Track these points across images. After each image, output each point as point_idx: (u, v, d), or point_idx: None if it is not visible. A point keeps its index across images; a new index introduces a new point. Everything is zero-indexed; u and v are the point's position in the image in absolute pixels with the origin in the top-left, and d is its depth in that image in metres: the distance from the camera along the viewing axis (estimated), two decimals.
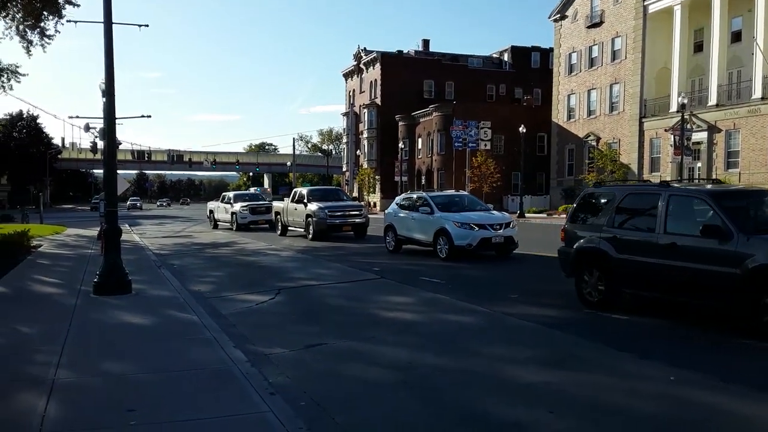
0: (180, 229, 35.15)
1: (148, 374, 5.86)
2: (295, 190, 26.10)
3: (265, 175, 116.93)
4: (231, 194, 33.39)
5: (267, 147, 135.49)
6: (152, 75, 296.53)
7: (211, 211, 34.76)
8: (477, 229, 15.41)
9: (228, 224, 31.19)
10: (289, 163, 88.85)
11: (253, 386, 5.35)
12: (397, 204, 18.62)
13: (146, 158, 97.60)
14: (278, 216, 26.27)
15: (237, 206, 30.40)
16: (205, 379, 5.68)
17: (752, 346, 6.92)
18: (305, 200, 23.50)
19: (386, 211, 19.37)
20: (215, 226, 33.11)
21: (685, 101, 32.94)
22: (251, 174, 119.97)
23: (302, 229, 23.66)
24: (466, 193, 21.36)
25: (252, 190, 65.21)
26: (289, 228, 25.15)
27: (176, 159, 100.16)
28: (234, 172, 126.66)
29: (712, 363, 6.35)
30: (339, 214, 22.77)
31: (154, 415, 4.72)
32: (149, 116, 57.12)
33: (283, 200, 28.97)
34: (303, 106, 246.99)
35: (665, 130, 38.57)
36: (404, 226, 17.56)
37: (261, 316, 9.28)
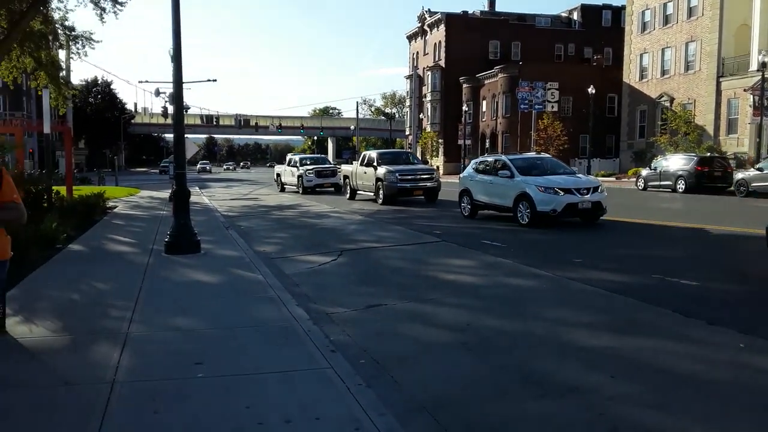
0: (247, 191, 36.00)
1: (215, 330, 6.09)
2: (364, 153, 25.97)
3: (328, 139, 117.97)
4: (297, 157, 33.69)
5: (331, 111, 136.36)
6: (220, 41, 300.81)
7: (278, 175, 35.33)
8: (562, 193, 14.44)
9: (294, 187, 31.65)
10: (352, 127, 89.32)
11: (315, 343, 5.48)
12: (473, 168, 17.88)
13: (214, 123, 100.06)
14: (347, 180, 26.18)
15: (303, 169, 30.75)
16: (269, 335, 5.86)
17: None
18: (375, 163, 23.27)
19: (461, 175, 18.70)
20: (282, 189, 33.66)
21: (766, 59, 31.05)
22: (315, 138, 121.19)
23: (371, 193, 23.47)
24: (548, 155, 20.40)
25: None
26: (358, 192, 25.11)
27: (243, 123, 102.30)
28: (299, 137, 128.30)
29: None
30: (410, 177, 22.38)
31: (220, 368, 4.91)
32: (215, 80, 58.62)
33: (351, 163, 29.24)
34: (367, 69, 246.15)
35: (744, 90, 36.57)
36: (481, 190, 16.84)
37: (323, 277, 9.46)
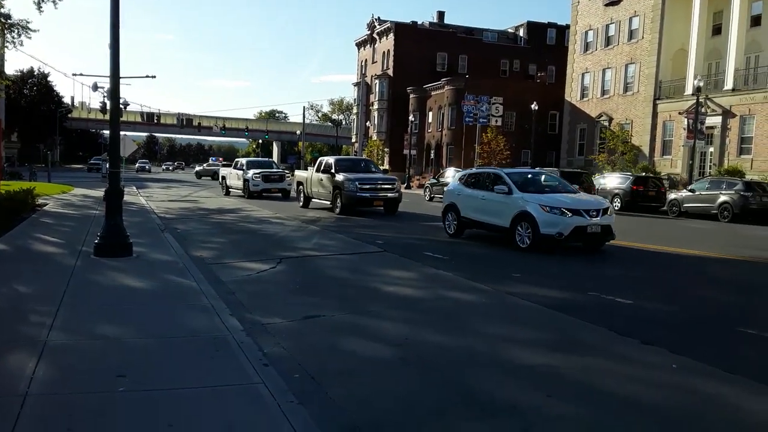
0: (186, 193, 35.10)
1: (142, 339, 5.78)
2: (321, 158, 24.07)
3: (274, 143, 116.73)
4: (244, 160, 32.77)
5: (277, 115, 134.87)
6: (164, 37, 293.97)
7: (223, 177, 34.01)
8: (570, 215, 12.77)
9: (240, 191, 30.65)
10: (298, 132, 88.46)
11: (247, 356, 5.26)
12: (460, 181, 16.13)
13: (156, 121, 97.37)
14: (301, 186, 24.58)
15: (250, 173, 29.67)
16: (199, 346, 5.59)
17: (753, 335, 6.78)
18: (332, 170, 21.68)
19: (446, 189, 17.47)
20: (227, 193, 32.57)
21: (701, 84, 32.38)
22: (260, 141, 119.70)
23: (327, 202, 21.95)
24: (544, 170, 19.06)
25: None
26: (313, 200, 23.66)
27: (186, 123, 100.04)
28: (243, 139, 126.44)
29: (714, 352, 6.21)
30: (369, 186, 20.93)
31: (144, 382, 4.64)
32: (154, 76, 57.29)
33: (295, 169, 28.75)
34: (314, 74, 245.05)
35: (679, 113, 38.06)
36: (471, 206, 14.94)
37: (261, 285, 9.20)
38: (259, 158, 41.73)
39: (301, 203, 24.37)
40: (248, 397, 4.41)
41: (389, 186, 21.48)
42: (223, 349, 5.50)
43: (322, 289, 8.95)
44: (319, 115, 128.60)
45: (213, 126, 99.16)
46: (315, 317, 7.19)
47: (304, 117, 77.78)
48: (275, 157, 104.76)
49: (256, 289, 8.85)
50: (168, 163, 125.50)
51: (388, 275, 10.31)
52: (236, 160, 34.46)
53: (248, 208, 24.08)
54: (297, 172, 27.88)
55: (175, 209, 23.01)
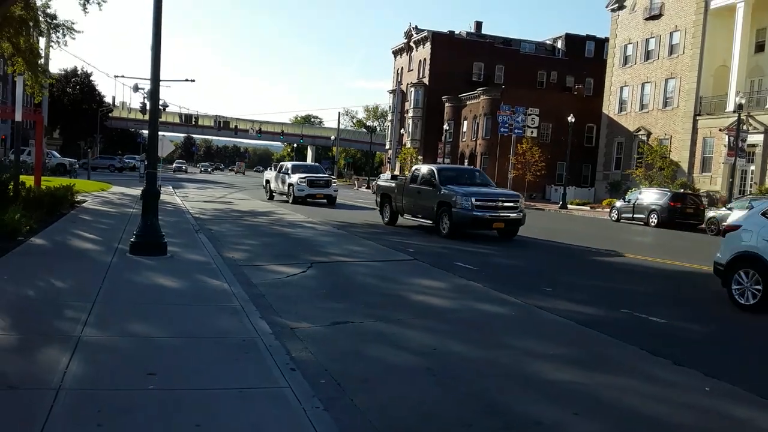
0: (221, 194, 35.57)
1: (173, 338, 5.88)
2: (417, 167, 20.47)
3: (308, 147, 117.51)
4: (289, 164, 31.56)
5: (312, 119, 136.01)
6: (206, 49, 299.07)
7: (267, 181, 32.97)
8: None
9: (284, 196, 29.80)
10: (333, 137, 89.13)
11: (275, 360, 5.30)
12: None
13: (193, 122, 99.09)
14: (387, 200, 20.39)
15: (294, 177, 28.69)
16: (228, 348, 5.66)
17: None
18: (434, 180, 17.84)
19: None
20: (271, 197, 31.63)
21: (743, 101, 31.73)
22: (295, 145, 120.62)
23: (428, 221, 17.98)
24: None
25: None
26: (405, 216, 19.56)
27: (222, 125, 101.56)
28: (279, 142, 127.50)
29: (748, 374, 6.06)
30: (489, 204, 16.82)
31: (173, 381, 4.71)
32: (193, 80, 58.05)
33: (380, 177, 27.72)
34: (350, 80, 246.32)
35: (720, 130, 37.28)
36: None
37: (290, 289, 9.26)
38: (305, 162, 40.78)
39: (386, 219, 20.40)
40: (274, 401, 4.45)
41: (512, 204, 17.19)
42: (251, 351, 5.55)
43: (351, 295, 8.98)
44: (354, 121, 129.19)
45: (249, 129, 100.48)
46: (343, 323, 7.22)
47: (339, 122, 78.38)
48: (309, 161, 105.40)
49: (285, 292, 8.92)
50: (204, 164, 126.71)
51: (418, 284, 10.29)
52: (280, 163, 33.49)
53: (280, 211, 24.29)
54: (380, 182, 23.43)
55: (209, 210, 23.33)
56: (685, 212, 28.00)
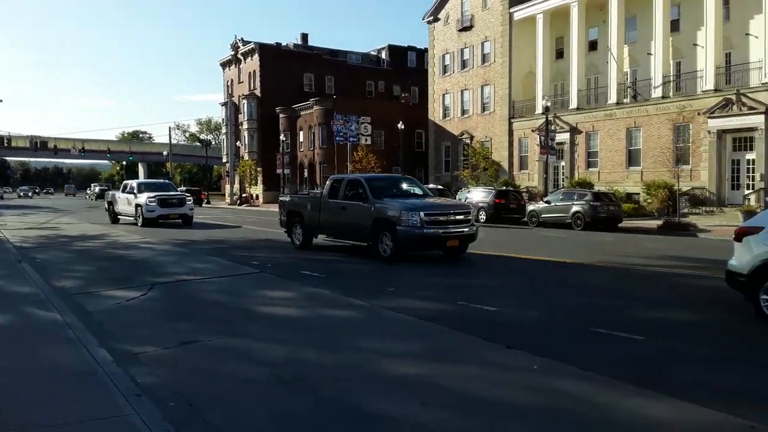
0: (45, 220, 32.74)
1: (2, 377, 5.43)
2: (333, 177, 17.61)
3: (139, 165, 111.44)
4: (134, 183, 28.92)
5: (141, 135, 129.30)
6: (21, 55, 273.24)
7: (111, 203, 30.08)
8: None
9: (131, 218, 27.18)
10: (165, 153, 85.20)
11: (119, 388, 5.09)
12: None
13: (5, 144, 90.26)
14: (298, 218, 17.33)
15: (142, 197, 26.14)
16: (66, 381, 5.34)
17: (609, 335, 7.48)
18: (364, 193, 15.04)
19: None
20: (116, 221, 29.00)
21: (549, 104, 35.04)
22: (125, 163, 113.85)
23: (350, 241, 16.05)
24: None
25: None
26: (321, 236, 17.02)
27: (40, 146, 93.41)
28: (105, 161, 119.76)
29: (571, 351, 6.79)
30: (439, 219, 14.27)
31: (9, 420, 4.39)
32: (1, 100, 52.88)
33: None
34: (180, 94, 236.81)
35: (532, 131, 40.86)
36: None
37: (132, 313, 8.85)
38: (154, 180, 36.40)
39: (298, 241, 17.29)
40: (120, 430, 4.29)
41: (464, 217, 14.78)
42: (91, 382, 5.29)
43: (198, 314, 8.78)
44: (187, 135, 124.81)
45: (71, 148, 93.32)
46: (191, 343, 7.06)
47: (170, 137, 75.07)
48: (141, 179, 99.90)
49: (126, 317, 8.52)
50: (23, 188, 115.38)
51: (266, 296, 10.29)
52: (125, 182, 30.37)
53: (114, 233, 22.91)
54: (286, 198, 19.34)
55: (33, 237, 21.43)
56: (509, 208, 30.33)
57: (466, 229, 14.56)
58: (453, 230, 14.30)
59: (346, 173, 18.69)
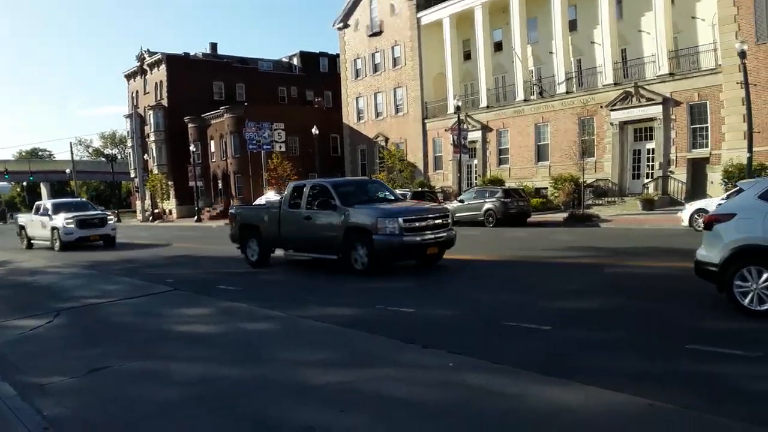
0: None
1: None
2: (292, 184, 15.93)
3: (41, 185, 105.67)
4: (48, 203, 26.78)
5: (41, 153, 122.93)
6: None
7: (22, 227, 27.96)
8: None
9: (47, 242, 25.17)
10: (68, 170, 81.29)
11: (23, 422, 4.89)
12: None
13: None
14: (252, 236, 15.97)
15: (59, 219, 24.25)
16: None
17: (519, 327, 7.77)
18: (333, 200, 13.79)
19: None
20: (30, 246, 26.87)
21: (460, 104, 35.92)
22: (25, 183, 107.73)
23: (315, 254, 14.91)
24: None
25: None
26: (288, 253, 15.83)
27: None
28: (4, 183, 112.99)
29: (485, 347, 7.02)
30: (419, 225, 13.29)
31: None
32: None
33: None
34: (81, 108, 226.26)
35: (445, 131, 41.70)
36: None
37: (36, 342, 8.44)
38: (71, 199, 33.04)
39: (254, 257, 15.84)
40: None
41: (443, 221, 13.94)
42: None
43: (109, 338, 8.48)
44: (90, 150, 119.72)
45: None
46: (101, 369, 6.82)
47: (72, 153, 71.73)
48: (45, 200, 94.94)
49: (30, 348, 8.12)
50: None
51: (182, 314, 10.05)
52: (37, 203, 28.05)
53: (18, 258, 21.72)
54: (239, 209, 17.71)
55: None
56: None
57: (445, 234, 13.73)
58: (432, 236, 13.35)
59: (308, 179, 16.12)
